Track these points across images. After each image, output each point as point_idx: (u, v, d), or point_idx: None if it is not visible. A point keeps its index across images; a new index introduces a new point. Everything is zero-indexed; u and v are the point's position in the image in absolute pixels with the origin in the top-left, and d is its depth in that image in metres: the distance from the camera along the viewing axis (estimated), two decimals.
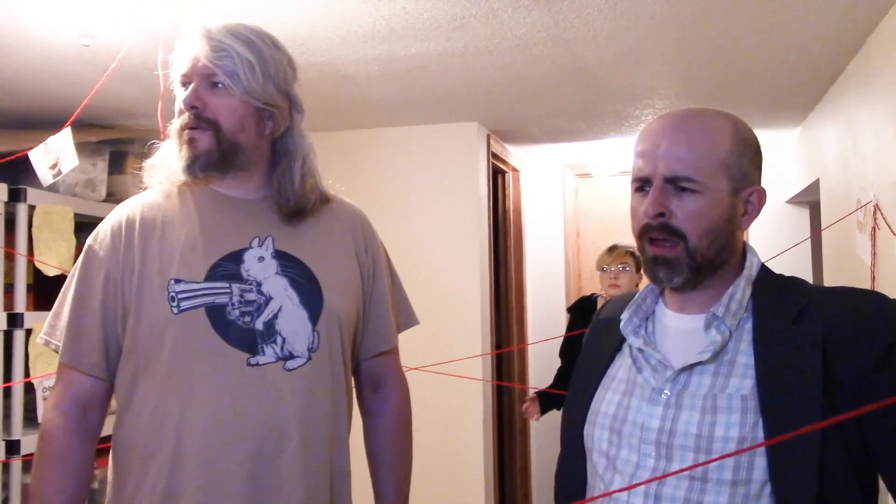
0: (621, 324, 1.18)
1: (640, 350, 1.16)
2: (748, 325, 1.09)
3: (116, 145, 2.96)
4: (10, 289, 2.49)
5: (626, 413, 1.12)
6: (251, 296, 1.36)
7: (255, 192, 1.44)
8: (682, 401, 1.07)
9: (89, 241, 1.43)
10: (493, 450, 3.50)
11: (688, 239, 1.09)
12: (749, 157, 1.12)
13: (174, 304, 1.33)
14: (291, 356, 1.36)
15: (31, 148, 1.92)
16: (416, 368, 2.66)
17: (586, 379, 1.23)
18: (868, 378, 1.00)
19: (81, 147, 2.29)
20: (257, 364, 1.34)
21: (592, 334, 1.32)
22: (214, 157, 1.37)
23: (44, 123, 2.66)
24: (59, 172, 1.90)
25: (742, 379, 1.05)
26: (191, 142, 1.37)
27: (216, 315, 1.33)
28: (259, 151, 1.42)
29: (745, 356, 1.07)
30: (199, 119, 1.36)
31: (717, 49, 2.37)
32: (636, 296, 1.20)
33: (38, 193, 2.52)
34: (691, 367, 1.09)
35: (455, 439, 3.34)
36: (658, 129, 1.12)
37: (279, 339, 1.36)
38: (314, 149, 1.48)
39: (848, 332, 1.02)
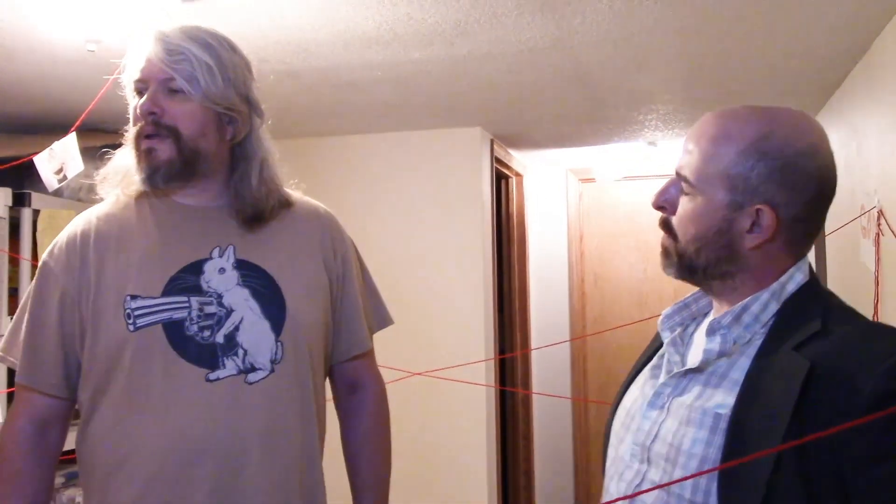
0: (660, 318, 1.16)
1: (666, 347, 1.14)
2: (760, 342, 1.02)
3: None
4: (14, 293, 2.50)
5: (637, 410, 1.11)
6: (211, 308, 1.31)
7: (215, 200, 1.39)
8: (672, 406, 1.05)
9: (44, 257, 1.37)
10: (496, 455, 3.49)
11: (678, 239, 1.08)
12: (764, 171, 1.01)
13: (130, 321, 1.29)
14: (253, 369, 1.31)
15: (36, 153, 1.92)
16: (419, 374, 2.66)
17: (630, 373, 1.22)
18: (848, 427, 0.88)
19: (86, 152, 2.30)
20: (217, 379, 1.29)
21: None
22: (176, 166, 1.31)
23: (49, 128, 2.68)
24: (65, 177, 1.91)
25: (726, 395, 1.00)
26: (150, 152, 1.31)
27: (174, 331, 1.29)
28: (219, 158, 1.37)
29: (738, 372, 1.01)
30: (158, 126, 1.30)
31: (720, 54, 2.37)
32: (689, 294, 1.17)
33: (42, 198, 2.53)
34: (691, 372, 1.06)
35: (458, 445, 3.34)
36: (697, 123, 1.08)
37: (240, 352, 1.31)
38: (273, 152, 1.43)
39: (838, 372, 0.91)
